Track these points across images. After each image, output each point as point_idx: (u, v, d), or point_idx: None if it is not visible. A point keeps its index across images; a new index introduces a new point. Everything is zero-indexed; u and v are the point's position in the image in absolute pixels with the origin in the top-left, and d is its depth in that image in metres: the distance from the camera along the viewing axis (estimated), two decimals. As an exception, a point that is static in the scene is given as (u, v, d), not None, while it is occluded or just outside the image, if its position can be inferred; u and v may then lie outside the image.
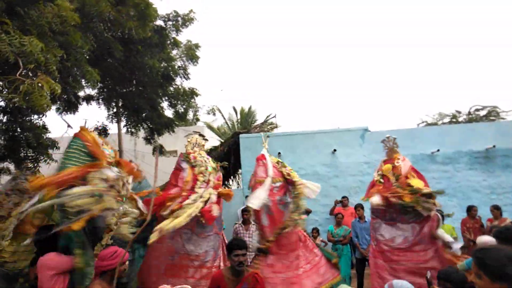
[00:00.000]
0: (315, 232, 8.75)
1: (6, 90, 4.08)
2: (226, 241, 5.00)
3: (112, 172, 3.51)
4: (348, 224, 7.82)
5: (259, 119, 22.00)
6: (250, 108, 23.58)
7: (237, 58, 57.68)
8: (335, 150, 10.16)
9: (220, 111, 25.78)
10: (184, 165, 5.03)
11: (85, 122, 4.17)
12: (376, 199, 5.11)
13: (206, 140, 5.81)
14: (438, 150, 9.51)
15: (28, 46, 3.84)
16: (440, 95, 42.81)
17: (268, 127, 15.42)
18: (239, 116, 23.65)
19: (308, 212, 9.00)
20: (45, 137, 6.92)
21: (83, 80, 5.88)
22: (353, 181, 9.91)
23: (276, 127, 12.75)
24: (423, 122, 21.00)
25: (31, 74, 4.09)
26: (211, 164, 5.19)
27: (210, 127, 22.14)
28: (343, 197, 9.12)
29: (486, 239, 3.70)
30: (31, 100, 3.74)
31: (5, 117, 8.02)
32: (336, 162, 10.20)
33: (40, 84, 3.78)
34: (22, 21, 4.34)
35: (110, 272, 3.00)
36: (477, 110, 19.54)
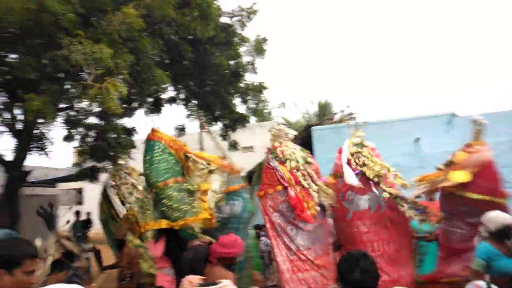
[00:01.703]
0: (396, 227, 8.16)
1: (79, 94, 4.56)
2: None
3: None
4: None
5: (338, 111, 21.34)
6: (326, 100, 23.04)
7: (307, 49, 56.89)
8: (417, 138, 9.36)
9: (296, 105, 25.68)
10: (274, 163, 4.92)
11: (154, 124, 4.50)
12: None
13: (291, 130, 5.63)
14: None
15: (98, 53, 4.22)
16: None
17: (345, 117, 14.84)
18: (316, 109, 23.25)
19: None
20: (122, 138, 7.57)
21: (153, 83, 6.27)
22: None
23: (351, 118, 12.19)
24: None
25: (100, 79, 4.48)
26: (300, 154, 5.00)
27: (286, 122, 22.13)
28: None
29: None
30: (101, 102, 4.10)
31: (100, 120, 9.04)
32: (419, 152, 9.38)
33: (107, 88, 4.12)
34: (94, 31, 4.79)
35: (230, 260, 3.11)
36: None
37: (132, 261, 5.04)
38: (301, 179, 4.70)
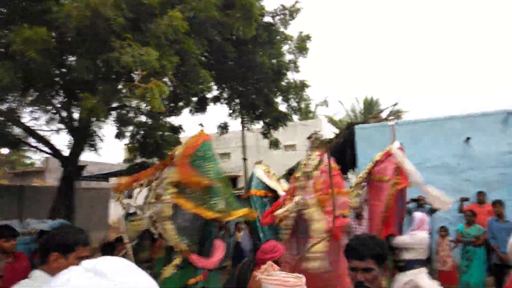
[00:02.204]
0: (443, 231, 7.81)
1: (127, 94, 4.87)
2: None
3: None
4: (483, 224, 6.75)
5: (386, 108, 20.65)
6: (372, 98, 22.39)
7: (351, 46, 55.37)
8: (468, 138, 8.88)
9: (341, 103, 25.15)
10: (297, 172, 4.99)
11: (201, 125, 4.64)
12: None
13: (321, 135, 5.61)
14: None
15: (145, 55, 4.48)
16: None
17: (392, 117, 14.36)
18: (362, 107, 22.67)
19: (435, 208, 8.11)
20: (167, 135, 7.90)
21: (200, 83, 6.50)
22: (492, 174, 8.49)
23: (398, 116, 11.79)
24: None
25: (146, 80, 4.75)
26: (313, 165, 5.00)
27: (331, 120, 21.79)
28: (479, 193, 7.89)
29: None
30: (147, 102, 4.36)
31: (148, 119, 9.53)
32: (470, 152, 8.91)
33: (151, 88, 4.36)
34: (143, 34, 5.07)
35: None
36: None
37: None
38: (296, 190, 4.69)
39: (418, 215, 4.65)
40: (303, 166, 4.89)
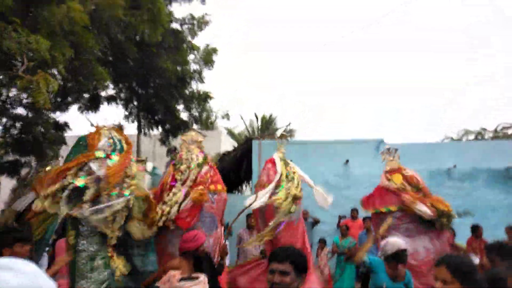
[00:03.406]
0: (322, 243, 8.56)
1: (7, 83, 4.28)
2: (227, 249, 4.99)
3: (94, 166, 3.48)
4: (356, 237, 7.62)
5: (281, 127, 22.02)
6: (271, 115, 23.59)
7: (253, 61, 57.71)
8: (347, 160, 9.98)
9: (241, 118, 25.96)
10: (169, 167, 4.93)
11: (92, 124, 4.24)
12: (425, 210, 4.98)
13: (204, 136, 5.66)
14: (455, 166, 9.15)
15: (34, 44, 4.01)
16: (468, 111, 41.36)
17: (285, 134, 15.35)
18: (259, 123, 23.69)
19: (316, 222, 8.86)
20: (50, 133, 7.15)
21: (94, 80, 6.04)
22: (365, 192, 9.61)
23: (291, 136, 12.66)
24: (447, 138, 20.33)
25: (32, 71, 4.26)
26: (198, 160, 5.03)
27: (230, 133, 22.28)
28: (353, 209, 8.90)
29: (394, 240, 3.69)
30: (30, 95, 3.89)
31: (28, 112, 8.43)
32: (348, 173, 10.01)
33: (37, 81, 3.92)
34: (35, 20, 4.55)
35: (191, 253, 3.19)
36: (505, 128, 18.69)
37: None
38: (176, 183, 4.78)
39: None
40: (185, 160, 4.86)
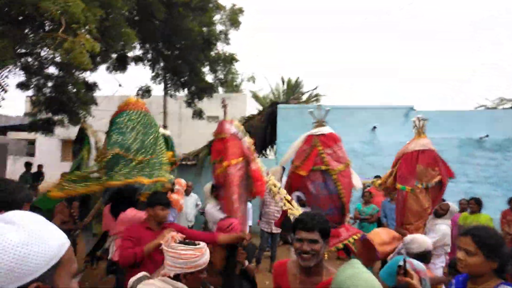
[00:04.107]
0: (344, 208, 8.65)
1: (49, 45, 4.33)
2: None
3: None
4: (379, 205, 7.65)
5: (307, 91, 21.62)
6: (297, 79, 23.17)
7: (281, 27, 56.32)
8: (375, 127, 9.81)
9: (266, 80, 25.62)
10: (241, 135, 4.95)
11: (120, 84, 4.34)
12: None
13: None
14: (487, 136, 8.85)
15: (72, 6, 4.00)
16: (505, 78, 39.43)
17: (312, 100, 15.12)
18: (285, 87, 23.36)
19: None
20: (83, 93, 7.29)
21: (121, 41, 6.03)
22: (391, 160, 9.55)
23: (317, 101, 12.46)
24: (481, 106, 19.49)
25: (72, 33, 4.28)
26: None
27: (255, 96, 22.13)
28: (376, 177, 8.85)
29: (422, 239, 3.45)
30: (72, 57, 3.94)
31: (60, 72, 8.59)
32: (375, 140, 9.88)
33: (81, 42, 3.96)
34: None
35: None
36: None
37: None
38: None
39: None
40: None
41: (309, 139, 5.11)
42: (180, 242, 2.11)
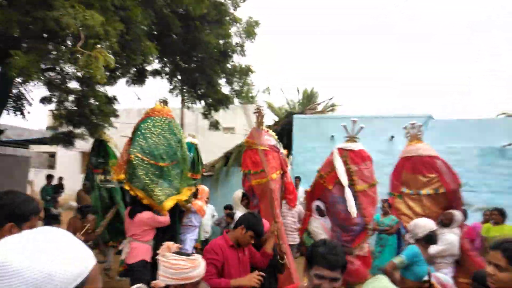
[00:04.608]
0: (362, 219, 8.52)
1: (67, 60, 4.50)
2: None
3: None
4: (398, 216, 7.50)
5: (323, 101, 21.55)
6: (312, 89, 23.18)
7: (301, 37, 56.76)
8: (392, 136, 9.69)
9: (282, 91, 25.74)
10: (280, 147, 4.98)
11: (139, 97, 4.49)
12: None
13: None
14: (510, 144, 8.63)
15: (90, 19, 4.16)
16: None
17: (327, 109, 15.06)
18: (301, 97, 23.39)
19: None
20: (104, 105, 7.48)
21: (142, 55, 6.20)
22: (409, 170, 9.42)
23: (332, 110, 12.43)
24: (503, 113, 19.01)
25: (90, 47, 4.44)
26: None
27: (270, 107, 22.22)
28: (396, 187, 8.70)
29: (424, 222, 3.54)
30: (88, 70, 4.07)
31: (81, 86, 8.85)
32: (393, 150, 9.73)
33: (95, 56, 4.09)
34: (88, -4, 4.71)
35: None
36: None
37: None
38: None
39: None
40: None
41: (339, 153, 5.14)
42: (176, 253, 2.05)
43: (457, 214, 4.99)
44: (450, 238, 4.79)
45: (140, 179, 4.35)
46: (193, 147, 6.02)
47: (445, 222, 4.91)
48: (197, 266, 2.01)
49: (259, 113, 5.03)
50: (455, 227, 4.96)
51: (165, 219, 4.49)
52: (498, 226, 6.16)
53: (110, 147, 7.20)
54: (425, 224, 3.56)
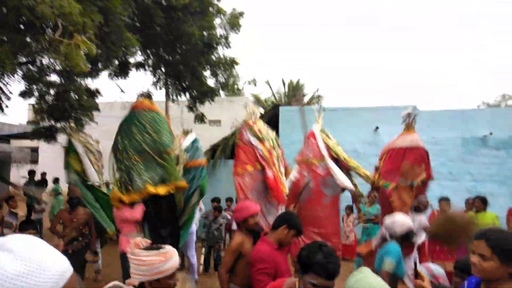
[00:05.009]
0: (348, 210, 8.60)
1: (44, 49, 4.35)
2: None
3: None
4: (383, 205, 7.60)
5: (308, 93, 21.57)
6: (298, 81, 23.19)
7: (286, 28, 56.71)
8: (377, 127, 9.76)
9: (268, 84, 25.70)
10: (254, 141, 4.86)
11: (122, 90, 4.40)
12: None
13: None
14: (491, 134, 8.78)
15: (67, 7, 4.01)
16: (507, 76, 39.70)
17: (313, 100, 15.08)
18: (286, 89, 23.38)
19: (343, 189, 8.85)
20: (84, 99, 7.31)
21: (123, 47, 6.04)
22: (394, 161, 9.52)
23: (318, 102, 12.44)
24: (483, 103, 19.41)
25: (68, 36, 4.29)
26: (272, 135, 5.11)
27: (256, 99, 22.16)
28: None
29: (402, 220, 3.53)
30: (68, 60, 3.94)
31: (61, 79, 8.63)
32: (377, 141, 9.82)
33: (76, 44, 3.96)
34: (63, -15, 4.53)
35: (242, 224, 3.32)
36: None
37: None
38: (275, 160, 4.79)
39: None
40: (265, 135, 4.94)
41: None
42: (146, 248, 1.99)
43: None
44: (423, 219, 5.10)
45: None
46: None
47: (421, 208, 5.09)
48: (169, 259, 1.95)
49: (249, 107, 5.06)
50: (425, 213, 5.27)
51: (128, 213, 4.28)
52: (480, 213, 6.27)
53: (72, 142, 7.00)
54: (403, 223, 3.50)
